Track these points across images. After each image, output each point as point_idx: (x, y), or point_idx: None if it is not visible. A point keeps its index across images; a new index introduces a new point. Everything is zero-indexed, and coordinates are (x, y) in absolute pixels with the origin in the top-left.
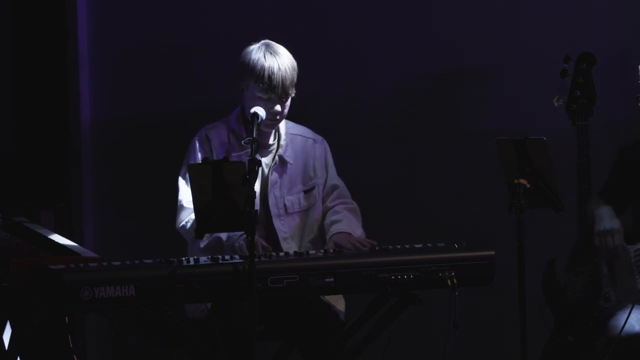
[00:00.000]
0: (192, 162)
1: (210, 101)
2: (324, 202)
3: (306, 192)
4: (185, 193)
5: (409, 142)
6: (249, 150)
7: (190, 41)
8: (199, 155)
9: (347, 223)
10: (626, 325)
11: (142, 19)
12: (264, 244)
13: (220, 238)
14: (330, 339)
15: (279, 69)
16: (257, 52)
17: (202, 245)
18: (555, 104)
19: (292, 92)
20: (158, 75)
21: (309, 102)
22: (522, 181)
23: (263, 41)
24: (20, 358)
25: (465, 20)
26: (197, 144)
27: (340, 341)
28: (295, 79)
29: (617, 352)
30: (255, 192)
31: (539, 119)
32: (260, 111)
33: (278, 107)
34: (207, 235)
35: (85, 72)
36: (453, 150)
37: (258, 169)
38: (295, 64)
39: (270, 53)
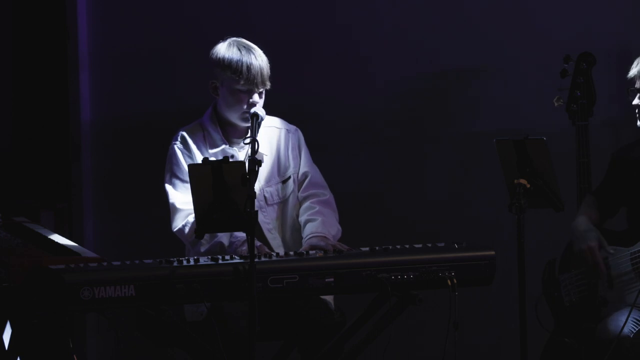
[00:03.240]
0: (175, 166)
1: (210, 101)
2: (298, 191)
3: (283, 182)
4: (176, 196)
5: (409, 142)
6: (224, 146)
7: (189, 41)
8: (180, 159)
9: (322, 222)
10: (619, 327)
11: (142, 19)
12: (267, 250)
13: (222, 243)
14: (329, 338)
15: (256, 59)
16: (230, 48)
17: (202, 249)
18: (555, 104)
19: (268, 85)
20: (158, 76)
21: (308, 102)
22: (522, 181)
23: (231, 39)
24: (20, 358)
25: (465, 20)
26: (176, 148)
27: (340, 341)
28: (269, 72)
29: (615, 354)
30: (255, 192)
31: (539, 119)
32: (261, 111)
33: (256, 98)
34: (207, 239)
35: (85, 72)
36: (453, 150)
37: (258, 169)
38: (266, 57)
39: (244, 47)
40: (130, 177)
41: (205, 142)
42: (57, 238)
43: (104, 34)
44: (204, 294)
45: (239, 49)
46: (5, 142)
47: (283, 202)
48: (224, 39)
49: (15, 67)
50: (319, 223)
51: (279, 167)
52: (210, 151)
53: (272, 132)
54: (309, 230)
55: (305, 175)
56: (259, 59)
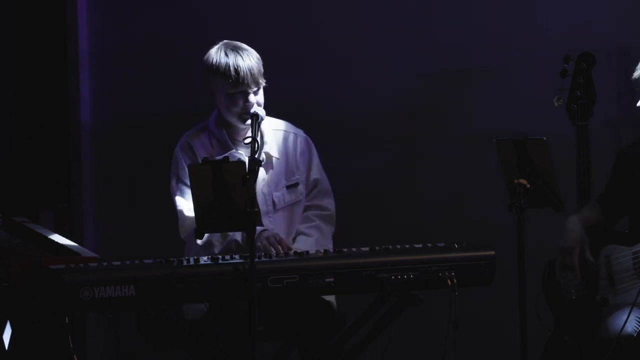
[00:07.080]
0: (180, 171)
1: (210, 101)
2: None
3: (289, 187)
4: (183, 203)
5: (409, 142)
6: (233, 150)
7: (190, 41)
8: (185, 165)
9: (316, 241)
10: (620, 326)
11: (142, 19)
12: (288, 245)
13: (237, 241)
14: (329, 338)
15: (243, 60)
16: (217, 52)
17: (216, 251)
18: (555, 104)
19: (263, 82)
20: (158, 76)
21: (310, 102)
22: (522, 181)
23: (221, 42)
24: (20, 358)
25: (465, 21)
26: (180, 154)
27: (340, 341)
28: (261, 69)
29: (615, 353)
30: (255, 193)
31: (539, 119)
32: (261, 111)
33: (252, 98)
34: (219, 240)
35: (85, 72)
36: (453, 150)
37: (258, 169)
38: (257, 54)
39: (231, 49)
40: (130, 177)
41: (211, 146)
42: (57, 238)
43: (104, 34)
44: (204, 294)
45: (226, 53)
46: (5, 142)
47: (292, 206)
48: (215, 43)
49: (15, 67)
50: (313, 241)
51: (286, 171)
52: (217, 157)
53: (280, 136)
54: (300, 244)
55: (315, 182)
56: (246, 60)
